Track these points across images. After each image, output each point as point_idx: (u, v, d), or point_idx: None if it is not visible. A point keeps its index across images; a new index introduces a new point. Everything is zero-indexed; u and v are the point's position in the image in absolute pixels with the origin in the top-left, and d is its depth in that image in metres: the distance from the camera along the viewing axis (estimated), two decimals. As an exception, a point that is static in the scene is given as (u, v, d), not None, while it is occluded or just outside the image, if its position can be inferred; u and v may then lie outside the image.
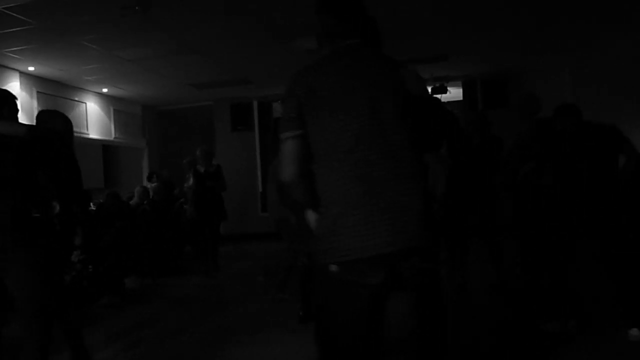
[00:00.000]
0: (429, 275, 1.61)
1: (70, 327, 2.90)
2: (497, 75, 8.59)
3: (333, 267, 1.56)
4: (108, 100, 8.73)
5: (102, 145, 9.19)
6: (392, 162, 1.57)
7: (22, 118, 6.38)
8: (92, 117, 8.25)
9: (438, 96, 8.55)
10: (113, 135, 8.87)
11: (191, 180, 7.79)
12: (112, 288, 5.32)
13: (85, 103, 8.09)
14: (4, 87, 6.27)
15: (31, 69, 6.66)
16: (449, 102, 9.84)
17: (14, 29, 5.20)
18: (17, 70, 6.59)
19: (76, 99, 7.87)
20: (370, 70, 1.67)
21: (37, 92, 6.99)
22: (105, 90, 8.36)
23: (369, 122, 1.58)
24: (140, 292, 5.72)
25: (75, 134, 7.84)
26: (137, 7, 4.69)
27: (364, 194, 1.55)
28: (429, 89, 8.72)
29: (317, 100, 1.62)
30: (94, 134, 8.28)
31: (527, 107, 3.94)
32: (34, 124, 2.93)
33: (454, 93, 8.95)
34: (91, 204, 6.20)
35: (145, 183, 8.28)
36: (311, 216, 1.67)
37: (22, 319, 2.53)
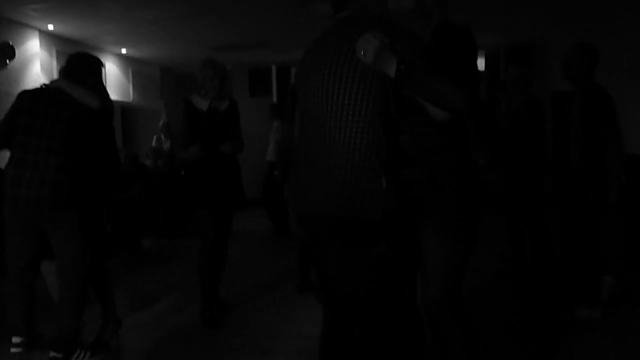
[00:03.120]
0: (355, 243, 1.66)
1: (102, 286, 3.01)
2: (521, 46, 8.37)
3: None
4: (127, 62, 8.71)
5: (121, 107, 9.22)
6: (332, 138, 1.65)
7: (42, 78, 6.41)
8: (111, 78, 8.25)
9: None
10: (131, 97, 8.89)
11: (168, 143, 7.41)
12: (129, 248, 5.44)
13: (104, 64, 8.07)
14: (24, 46, 6.32)
15: (50, 27, 6.64)
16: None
17: (33, -14, 5.17)
18: (36, 28, 6.58)
19: (95, 59, 7.86)
20: (331, 45, 1.69)
21: (57, 51, 6.99)
22: (124, 51, 8.34)
23: (315, 98, 1.70)
24: (157, 252, 5.83)
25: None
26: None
27: (304, 160, 1.76)
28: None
29: (295, 75, 1.89)
30: (112, 95, 8.14)
31: (521, 81, 3.82)
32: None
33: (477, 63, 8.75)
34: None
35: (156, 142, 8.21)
36: None
37: (64, 279, 2.70)
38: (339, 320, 1.78)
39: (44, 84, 2.88)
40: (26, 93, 2.80)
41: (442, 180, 1.79)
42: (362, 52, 1.54)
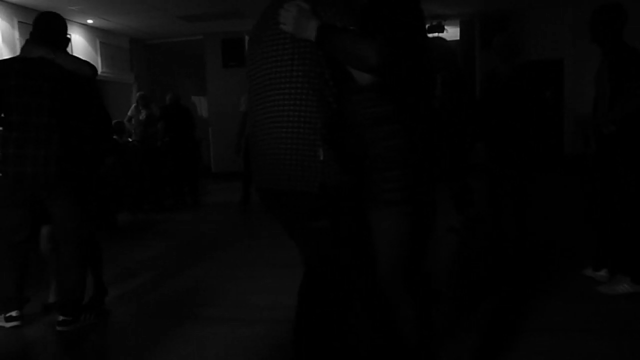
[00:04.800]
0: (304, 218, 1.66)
1: (94, 254, 3.13)
2: (496, 14, 8.36)
3: None
4: (94, 33, 8.42)
5: (89, 80, 8.97)
6: (268, 112, 1.65)
7: (4, 50, 6.18)
8: (78, 50, 7.97)
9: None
10: (100, 70, 8.61)
11: (143, 114, 7.48)
12: (104, 223, 5.35)
13: (70, 35, 7.80)
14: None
15: (11, -4, 6.36)
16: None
17: (-10, -48, 4.90)
18: (-4, -3, 6.30)
19: (60, 30, 7.58)
20: (268, 15, 1.67)
21: (19, 22, 6.70)
22: (90, 21, 8.04)
23: (256, 72, 1.70)
24: (133, 227, 5.76)
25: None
26: None
27: (253, 133, 1.74)
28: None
29: None
30: (80, 67, 8.04)
31: (507, 48, 3.76)
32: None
33: (451, 32, 8.73)
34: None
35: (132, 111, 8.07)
36: None
37: (66, 247, 2.79)
38: (313, 286, 1.79)
39: (23, 55, 2.73)
40: (5, 67, 2.70)
41: (383, 151, 1.65)
42: (284, 22, 1.53)
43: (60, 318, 2.78)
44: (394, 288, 1.74)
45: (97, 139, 3.03)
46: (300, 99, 1.57)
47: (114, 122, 7.07)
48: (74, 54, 7.77)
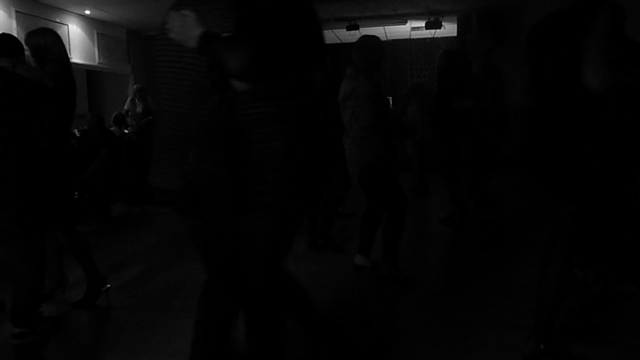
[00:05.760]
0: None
1: (78, 249, 3.04)
2: (493, 10, 8.35)
3: None
4: (91, 23, 8.38)
5: (86, 71, 8.94)
6: (159, 112, 1.71)
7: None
8: (75, 40, 7.95)
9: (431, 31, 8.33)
10: (97, 61, 8.60)
11: (140, 107, 7.55)
12: (98, 215, 5.36)
13: (67, 25, 7.77)
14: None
15: (8, -14, 6.33)
16: (442, 38, 9.63)
17: (-13, -58, 4.88)
18: (-7, -13, 6.27)
19: (57, 20, 7.54)
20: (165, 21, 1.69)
21: (16, 11, 6.68)
22: (87, 12, 8.01)
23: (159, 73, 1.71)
24: (128, 219, 5.77)
25: (57, 58, 7.58)
26: None
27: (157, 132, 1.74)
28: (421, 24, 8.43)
29: None
30: (77, 58, 8.00)
31: (479, 45, 3.82)
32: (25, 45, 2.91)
33: (449, 29, 8.73)
34: (75, 131, 6.09)
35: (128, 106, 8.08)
36: None
37: (7, 254, 2.64)
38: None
39: None
40: None
41: (261, 153, 1.61)
42: (170, 30, 1.54)
43: (16, 330, 2.59)
44: (256, 286, 1.77)
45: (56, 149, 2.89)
46: (179, 105, 1.61)
47: (114, 113, 7.11)
48: (71, 45, 7.79)
